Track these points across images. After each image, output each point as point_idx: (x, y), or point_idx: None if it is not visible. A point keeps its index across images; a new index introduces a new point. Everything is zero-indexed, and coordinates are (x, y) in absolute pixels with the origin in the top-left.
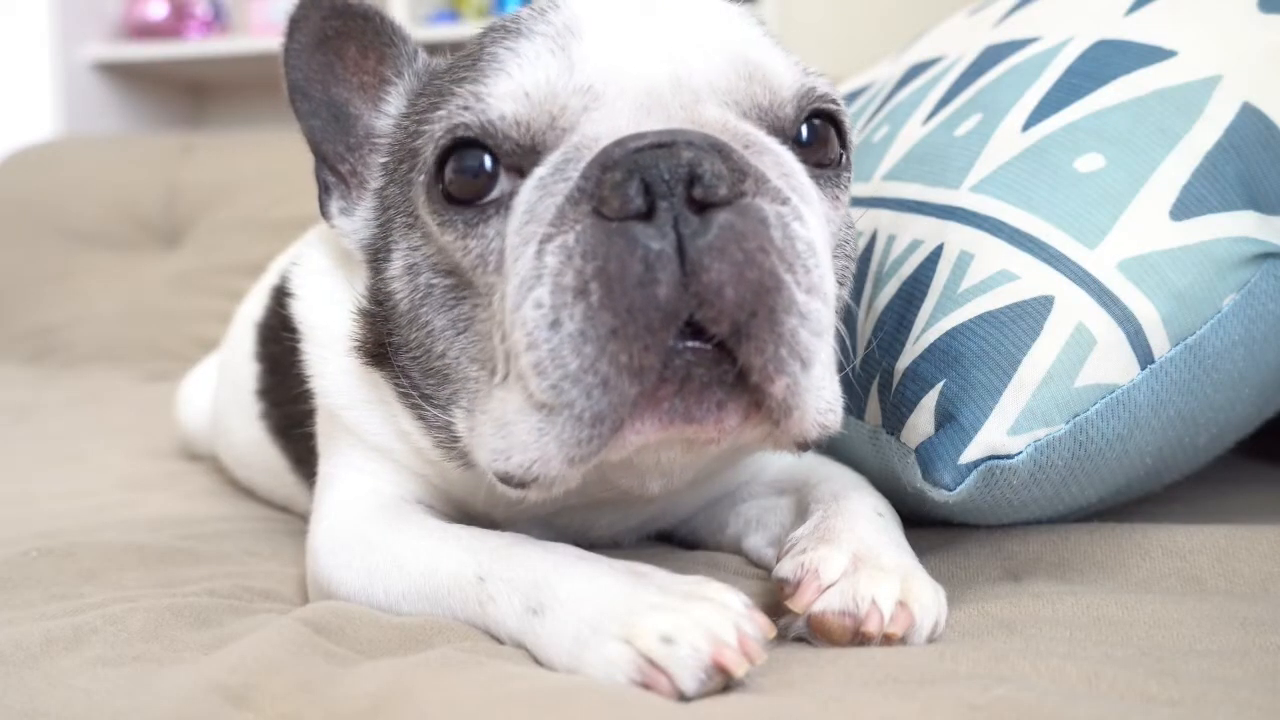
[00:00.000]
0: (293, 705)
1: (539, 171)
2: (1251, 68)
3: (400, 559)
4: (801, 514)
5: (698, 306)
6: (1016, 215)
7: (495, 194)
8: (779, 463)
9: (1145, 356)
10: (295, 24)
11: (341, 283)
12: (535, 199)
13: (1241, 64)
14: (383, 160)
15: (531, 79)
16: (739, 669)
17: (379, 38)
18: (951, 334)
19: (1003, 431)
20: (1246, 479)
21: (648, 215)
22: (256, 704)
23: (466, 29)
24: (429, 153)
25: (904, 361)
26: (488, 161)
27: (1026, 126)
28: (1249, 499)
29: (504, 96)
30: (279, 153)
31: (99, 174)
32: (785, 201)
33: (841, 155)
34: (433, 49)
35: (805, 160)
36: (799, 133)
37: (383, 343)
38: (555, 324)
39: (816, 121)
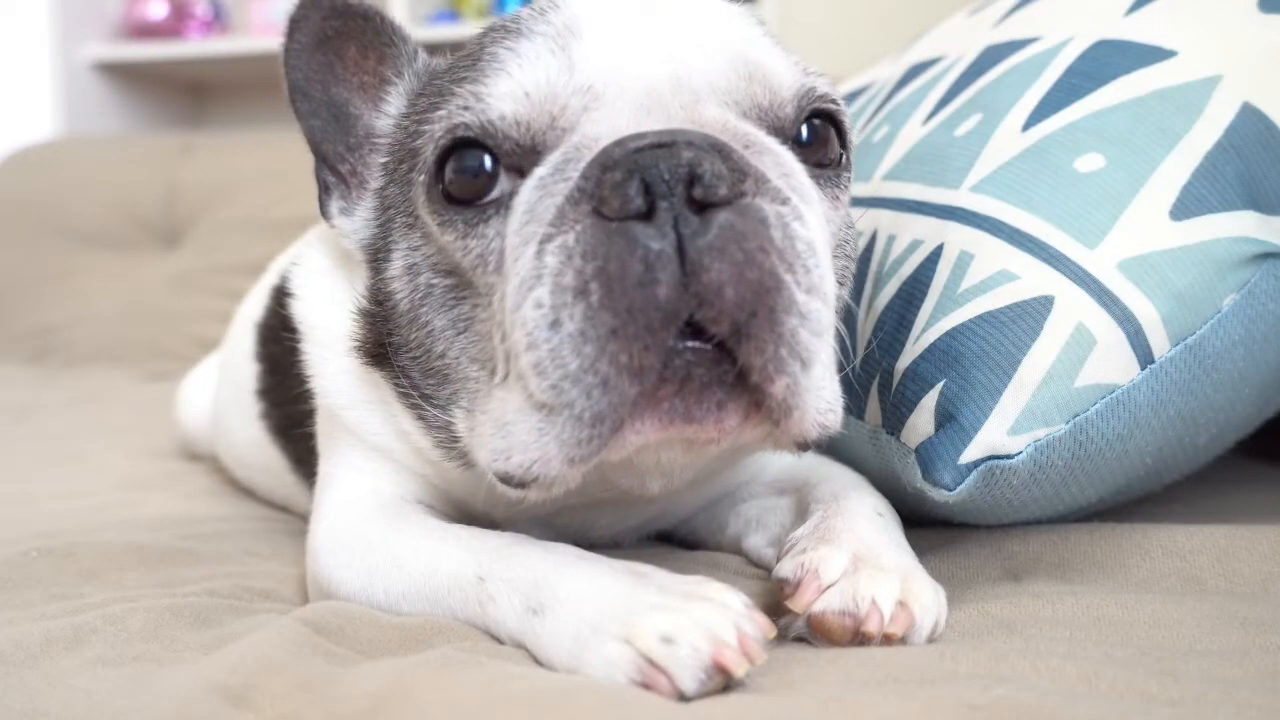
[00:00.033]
0: (293, 705)
1: (539, 171)
2: (1251, 68)
3: (400, 559)
4: (801, 514)
5: (698, 306)
6: (1016, 215)
7: (495, 194)
8: (779, 463)
9: (1145, 356)
10: (295, 24)
11: (341, 283)
12: (535, 199)
13: (1241, 64)
14: (383, 160)
15: (532, 79)
16: (739, 669)
17: (379, 38)
18: (951, 334)
19: (1003, 431)
20: (1246, 479)
21: (648, 215)
22: (256, 704)
23: (466, 29)
24: (429, 152)
25: (904, 361)
26: (488, 161)
27: (1026, 126)
28: (1249, 499)
29: (504, 96)
30: (279, 153)
31: (99, 174)
32: (785, 201)
33: (841, 155)
34: (433, 49)
35: (805, 160)
36: (799, 133)
37: (383, 343)
38: (555, 324)
39: (816, 121)
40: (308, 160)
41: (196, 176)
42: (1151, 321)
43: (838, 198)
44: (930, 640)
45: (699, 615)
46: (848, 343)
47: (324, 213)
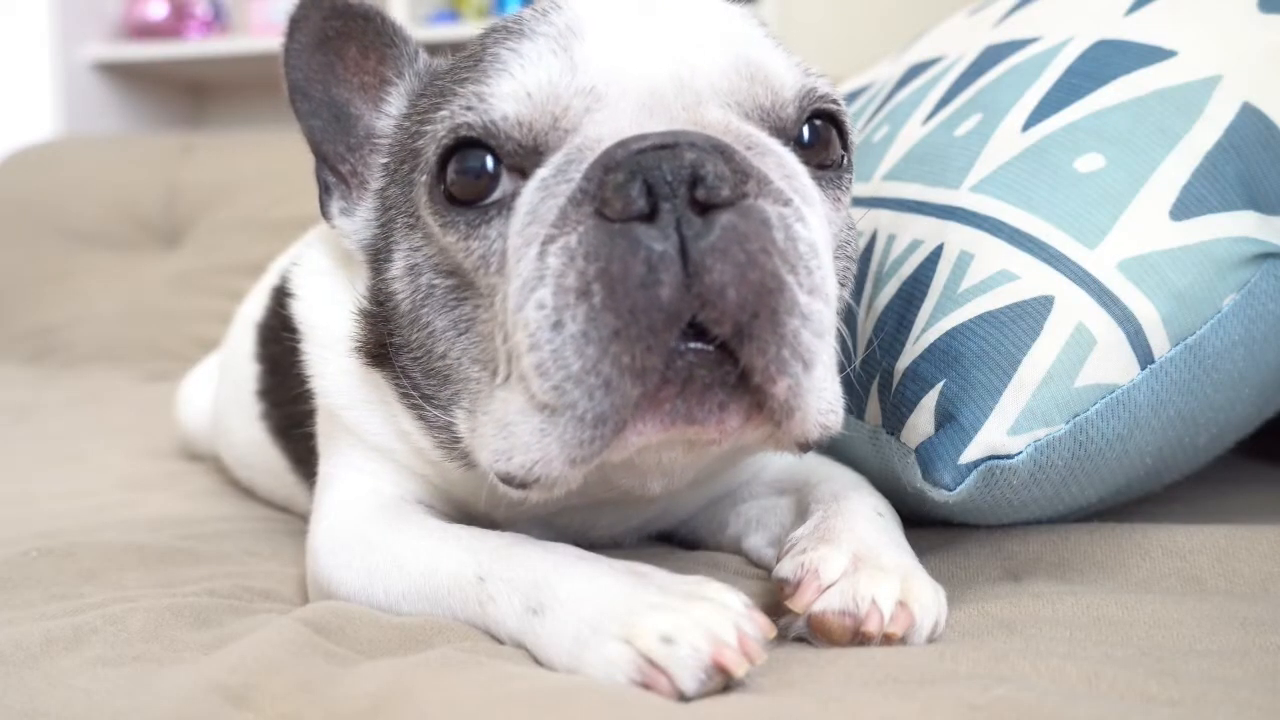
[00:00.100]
0: (293, 705)
1: (541, 172)
2: (1251, 68)
3: (400, 559)
4: (801, 514)
5: (700, 308)
6: (1016, 215)
7: (497, 195)
8: (779, 463)
9: (1145, 356)
10: (295, 24)
11: (342, 283)
12: (537, 200)
13: (1241, 64)
14: (384, 161)
15: (534, 79)
16: (739, 669)
17: (380, 38)
18: (951, 334)
19: (1003, 431)
20: (1246, 479)
21: (650, 217)
22: (256, 704)
23: (467, 29)
24: (431, 153)
25: (904, 361)
26: (490, 162)
27: (1026, 126)
28: (1249, 499)
29: (506, 97)
30: (279, 153)
31: (99, 174)
32: (787, 203)
33: (843, 156)
34: (433, 49)
35: (807, 161)
36: (800, 134)
37: (383, 343)
38: (558, 325)
39: (818, 122)
40: (308, 160)
41: (196, 176)
42: (1151, 321)
43: (839, 199)
44: (930, 640)
45: (699, 615)
46: (848, 343)
47: (324, 213)
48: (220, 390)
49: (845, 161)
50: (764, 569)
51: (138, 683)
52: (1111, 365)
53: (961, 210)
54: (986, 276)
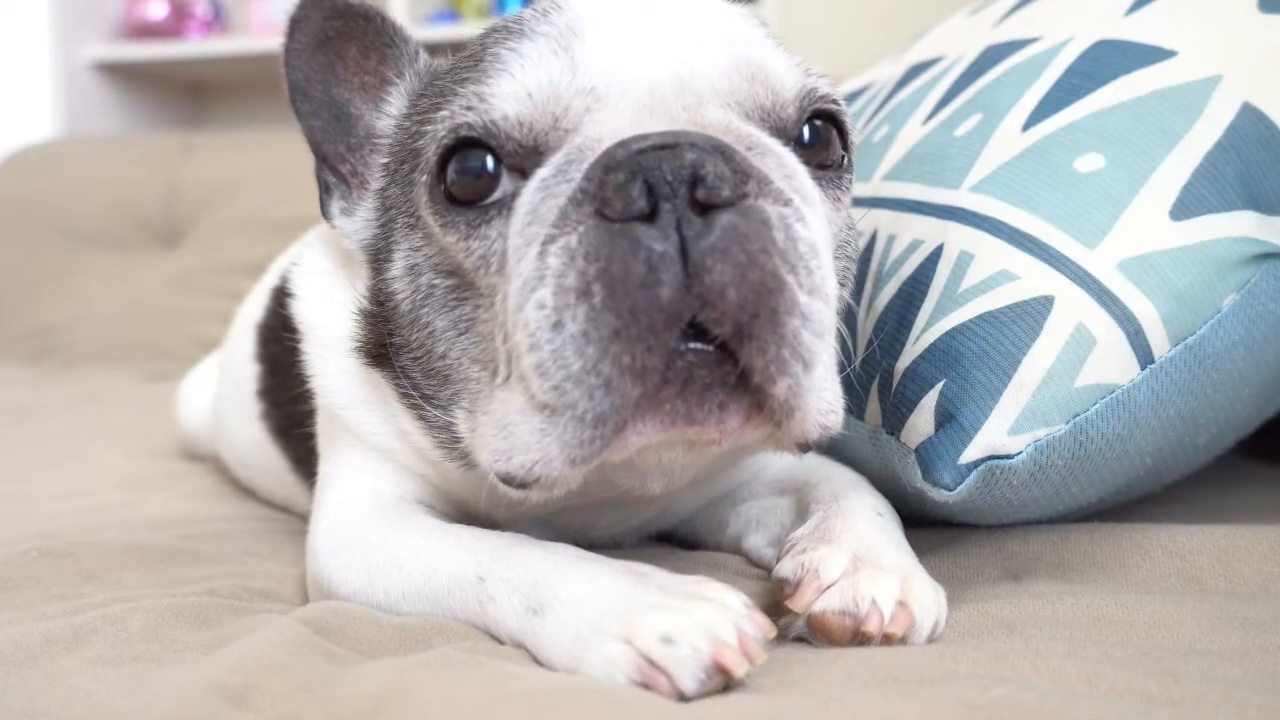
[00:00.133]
0: (293, 705)
1: (541, 172)
2: (1251, 68)
3: (400, 559)
4: (801, 514)
5: (700, 308)
6: (1016, 215)
7: (497, 195)
8: (779, 463)
9: (1145, 356)
10: (296, 24)
11: (342, 283)
12: (538, 200)
13: (1241, 64)
14: (384, 161)
15: (534, 79)
16: (739, 669)
17: (380, 38)
18: (951, 334)
19: (1003, 431)
20: (1246, 479)
21: (650, 217)
22: (256, 704)
23: (467, 29)
24: (431, 153)
25: (904, 361)
26: (490, 162)
27: (1026, 126)
28: (1249, 499)
29: (507, 97)
30: (279, 153)
31: (99, 174)
32: (787, 203)
33: (843, 156)
34: (433, 49)
35: (807, 162)
36: (801, 134)
37: (384, 343)
38: (558, 325)
39: (818, 122)
40: (308, 160)
41: (196, 176)
42: (1151, 321)
43: (839, 199)
44: (930, 640)
45: (699, 615)
46: (848, 343)
47: (325, 213)
48: (220, 390)
49: (845, 161)
50: (764, 569)
51: (138, 683)
52: (1111, 365)
53: (961, 210)
54: (986, 276)
